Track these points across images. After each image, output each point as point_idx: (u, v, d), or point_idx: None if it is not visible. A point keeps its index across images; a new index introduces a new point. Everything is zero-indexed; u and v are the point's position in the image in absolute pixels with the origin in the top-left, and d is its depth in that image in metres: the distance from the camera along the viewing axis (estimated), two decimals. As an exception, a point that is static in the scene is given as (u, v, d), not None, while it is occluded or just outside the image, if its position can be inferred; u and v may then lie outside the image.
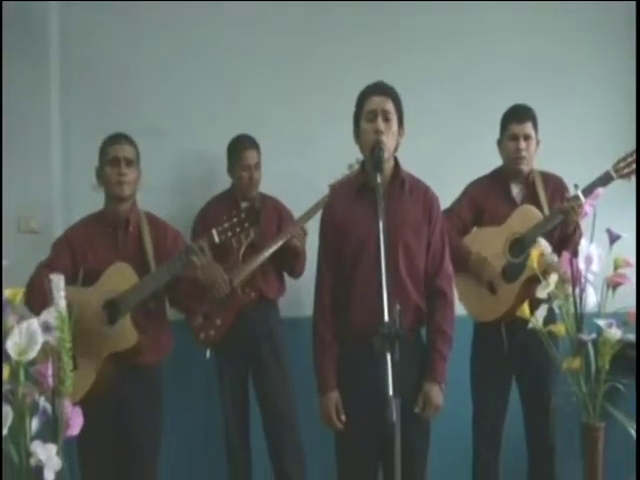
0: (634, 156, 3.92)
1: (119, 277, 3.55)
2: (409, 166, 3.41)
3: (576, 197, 3.86)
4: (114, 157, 3.65)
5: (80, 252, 3.66)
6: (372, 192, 3.17)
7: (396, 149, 3.33)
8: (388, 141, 3.22)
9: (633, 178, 3.96)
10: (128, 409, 3.60)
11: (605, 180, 3.91)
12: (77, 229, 3.79)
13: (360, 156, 3.44)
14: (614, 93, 5.24)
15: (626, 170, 3.92)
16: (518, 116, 4.13)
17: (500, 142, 4.22)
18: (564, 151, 4.79)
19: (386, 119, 3.23)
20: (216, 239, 3.45)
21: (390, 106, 3.25)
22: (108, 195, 3.72)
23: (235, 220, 3.46)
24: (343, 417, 3.25)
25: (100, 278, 3.57)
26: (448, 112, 5.11)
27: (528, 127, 4.11)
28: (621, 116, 5.16)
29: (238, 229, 3.46)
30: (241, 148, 4.67)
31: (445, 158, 4.95)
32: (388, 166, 3.28)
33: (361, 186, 3.34)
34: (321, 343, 3.34)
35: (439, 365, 3.28)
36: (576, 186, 3.88)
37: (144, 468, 3.69)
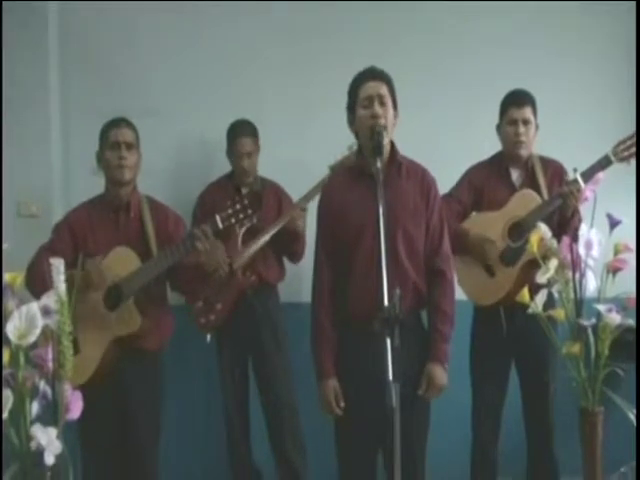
0: (633, 139, 3.91)
1: (121, 261, 3.55)
2: (406, 151, 3.40)
3: (575, 181, 3.86)
4: (114, 141, 3.65)
5: (81, 235, 3.66)
6: (370, 177, 3.17)
7: (391, 132, 3.32)
8: (386, 125, 3.22)
9: (632, 162, 3.95)
10: (129, 394, 3.60)
11: (604, 164, 3.90)
12: (78, 212, 3.79)
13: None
14: (614, 77, 5.22)
15: (625, 153, 3.91)
16: (517, 101, 4.13)
17: (499, 127, 4.21)
18: (564, 135, 4.79)
19: (382, 103, 3.23)
20: (220, 225, 3.45)
21: (385, 90, 3.26)
22: (109, 179, 3.72)
23: (238, 207, 3.45)
24: (342, 403, 3.26)
25: (102, 262, 3.57)
26: (446, 97, 5.10)
27: (527, 112, 4.11)
28: (621, 100, 5.15)
29: (242, 215, 3.45)
30: (235, 135, 4.68)
31: (443, 143, 4.94)
32: (385, 150, 3.27)
33: (358, 172, 3.33)
34: (319, 329, 3.34)
35: (441, 345, 3.28)
36: (575, 170, 3.87)
37: (145, 452, 3.69)
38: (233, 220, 3.45)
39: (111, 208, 3.71)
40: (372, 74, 3.30)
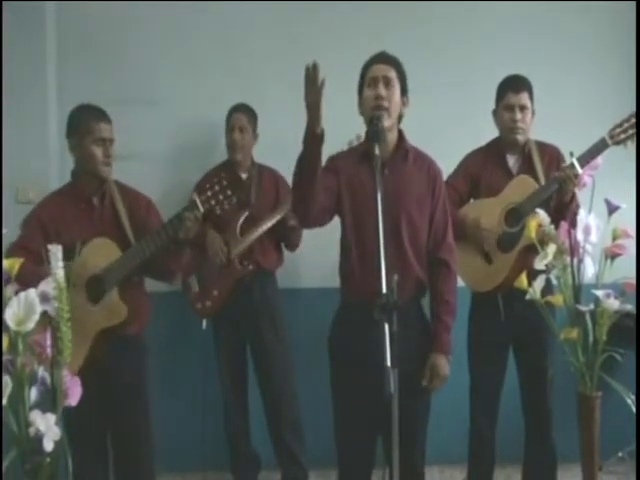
0: (630, 122, 3.89)
1: (100, 252, 3.49)
2: (410, 138, 3.39)
3: (571, 165, 3.85)
4: (100, 137, 3.58)
5: (53, 229, 3.56)
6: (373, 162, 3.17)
7: (400, 119, 3.31)
8: (389, 107, 3.20)
9: (629, 144, 3.93)
10: (115, 379, 3.55)
11: (600, 147, 3.88)
12: (46, 205, 3.69)
13: (359, 132, 3.43)
14: (612, 61, 5.22)
15: (622, 136, 3.89)
16: (514, 86, 4.11)
17: (495, 112, 4.20)
18: (562, 120, 4.79)
19: (388, 85, 3.22)
20: (200, 207, 3.42)
21: (392, 74, 3.24)
22: (86, 171, 3.64)
23: (217, 188, 3.42)
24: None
25: (80, 254, 3.49)
26: (445, 83, 5.10)
27: (524, 97, 4.09)
28: (620, 84, 5.15)
29: (221, 197, 3.42)
30: (230, 112, 4.75)
31: (442, 130, 4.94)
32: (391, 136, 3.27)
33: (364, 155, 3.30)
34: None
35: (444, 336, 3.28)
36: (571, 154, 3.86)
37: (138, 437, 3.66)
38: (213, 202, 3.42)
39: (83, 197, 3.64)
40: (381, 57, 3.30)
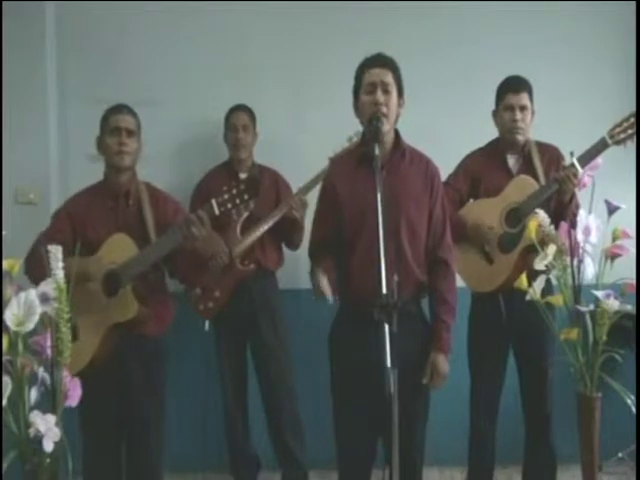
0: (630, 121, 3.88)
1: (119, 248, 3.54)
2: (406, 138, 3.39)
3: (572, 165, 3.85)
4: (115, 127, 3.64)
5: (80, 223, 3.64)
6: (372, 163, 3.17)
7: (397, 120, 3.31)
8: (388, 112, 3.21)
9: (629, 144, 3.93)
10: (130, 379, 3.59)
11: (600, 147, 3.88)
12: (77, 200, 3.78)
13: (359, 128, 3.43)
14: (613, 61, 5.21)
15: (621, 136, 3.88)
16: (514, 87, 4.11)
17: (495, 113, 4.20)
18: (563, 121, 4.79)
19: (385, 91, 3.22)
20: (216, 211, 3.42)
21: (389, 78, 3.24)
22: (108, 165, 3.70)
23: (235, 192, 3.42)
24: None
25: (100, 249, 3.57)
26: (445, 83, 5.09)
27: (524, 98, 4.09)
28: (620, 85, 5.14)
29: (238, 200, 3.42)
30: (230, 111, 4.77)
31: (442, 130, 4.93)
32: (389, 138, 3.27)
33: (362, 157, 3.31)
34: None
35: (444, 335, 3.29)
36: (572, 154, 3.86)
37: (149, 438, 3.68)
38: (229, 205, 3.42)
39: (110, 196, 3.69)
40: (378, 61, 3.28)
